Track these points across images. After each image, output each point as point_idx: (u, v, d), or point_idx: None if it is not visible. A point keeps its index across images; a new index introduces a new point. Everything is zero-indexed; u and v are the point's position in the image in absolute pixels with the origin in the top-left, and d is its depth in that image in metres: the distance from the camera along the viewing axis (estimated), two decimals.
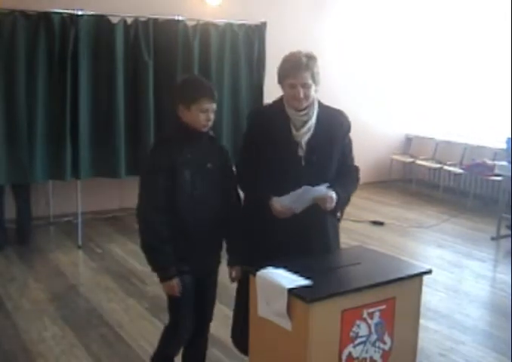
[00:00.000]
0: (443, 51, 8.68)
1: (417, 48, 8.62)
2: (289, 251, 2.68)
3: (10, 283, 4.61)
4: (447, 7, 8.53)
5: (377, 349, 2.49)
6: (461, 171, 7.78)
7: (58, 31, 5.27)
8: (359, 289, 2.40)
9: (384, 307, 2.47)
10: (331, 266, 2.66)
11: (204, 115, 2.64)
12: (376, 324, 2.46)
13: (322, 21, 7.82)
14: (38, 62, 5.23)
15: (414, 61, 8.65)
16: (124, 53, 5.63)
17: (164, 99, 5.81)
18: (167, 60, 5.83)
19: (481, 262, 5.46)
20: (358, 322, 2.40)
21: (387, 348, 2.53)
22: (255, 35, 6.31)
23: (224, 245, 2.88)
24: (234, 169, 2.91)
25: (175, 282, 2.67)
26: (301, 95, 2.65)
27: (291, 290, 2.29)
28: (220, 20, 6.17)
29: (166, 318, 3.89)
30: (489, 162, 7.31)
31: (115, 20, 5.61)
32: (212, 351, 3.35)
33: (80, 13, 5.31)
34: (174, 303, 2.79)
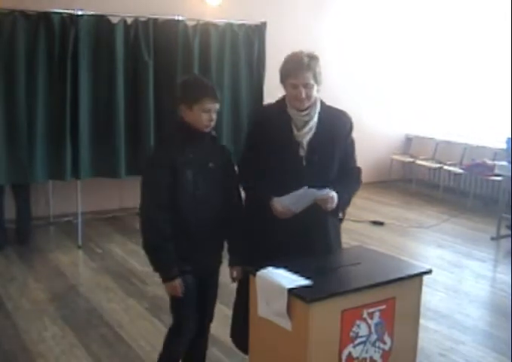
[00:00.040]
0: (443, 51, 8.69)
1: (417, 48, 8.62)
2: (290, 251, 2.68)
3: (10, 283, 4.61)
4: (447, 6, 8.54)
5: (377, 349, 2.49)
6: (461, 171, 7.78)
7: (58, 31, 5.27)
8: (359, 289, 2.40)
9: (383, 307, 2.47)
10: (331, 266, 2.66)
11: (206, 115, 2.64)
12: (376, 324, 2.46)
13: (321, 21, 7.83)
14: (38, 62, 5.23)
15: (414, 61, 8.66)
16: (125, 53, 5.63)
17: (164, 99, 5.81)
18: (167, 60, 5.83)
19: (481, 262, 5.46)
20: (358, 322, 2.40)
21: (387, 348, 2.53)
22: (255, 35, 6.31)
23: (225, 245, 2.88)
24: (236, 168, 2.91)
25: (177, 282, 2.66)
26: (303, 95, 2.64)
27: (291, 290, 2.29)
28: (220, 20, 6.17)
29: (166, 318, 3.91)
30: (489, 162, 7.32)
31: (115, 20, 5.61)
32: (212, 351, 3.35)
33: (80, 13, 5.31)
34: (176, 304, 2.78)
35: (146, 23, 5.72)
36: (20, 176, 5.30)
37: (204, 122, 2.65)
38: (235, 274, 2.84)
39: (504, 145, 7.17)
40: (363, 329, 2.42)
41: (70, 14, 5.29)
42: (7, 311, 4.11)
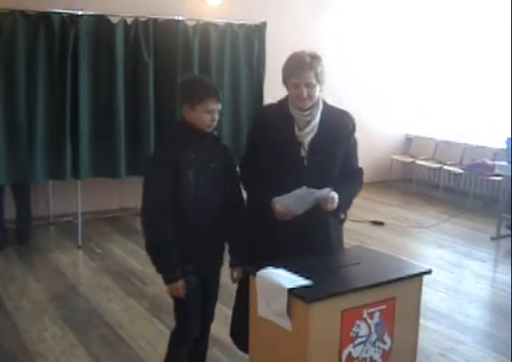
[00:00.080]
0: (443, 51, 8.69)
1: (417, 48, 8.63)
2: (291, 252, 2.67)
3: (10, 283, 4.61)
4: (447, 6, 8.54)
5: (377, 349, 2.49)
6: (460, 171, 7.78)
7: (58, 31, 5.27)
8: (359, 289, 2.40)
9: (383, 307, 2.47)
10: (331, 266, 2.66)
11: (209, 115, 2.64)
12: (376, 324, 2.46)
13: (321, 21, 7.83)
14: (38, 62, 5.23)
15: (414, 61, 8.66)
16: (125, 53, 5.63)
17: (164, 99, 5.81)
18: (167, 60, 5.83)
19: (481, 262, 5.46)
20: (358, 322, 2.40)
21: (387, 348, 2.53)
22: (255, 35, 6.31)
23: (226, 246, 2.87)
24: (237, 169, 2.90)
25: (180, 284, 2.66)
26: (305, 95, 2.63)
27: (291, 290, 2.29)
28: (220, 20, 6.17)
29: (166, 318, 3.91)
30: (489, 162, 7.32)
31: (115, 20, 5.61)
32: (212, 351, 3.35)
33: (80, 13, 5.31)
34: (180, 305, 2.78)
35: (146, 23, 5.72)
36: (20, 176, 5.30)
37: (206, 122, 2.65)
38: (235, 274, 2.84)
39: (504, 145, 7.17)
40: (363, 329, 2.42)
41: (70, 14, 5.29)
42: (7, 311, 4.11)
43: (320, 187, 2.61)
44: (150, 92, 5.76)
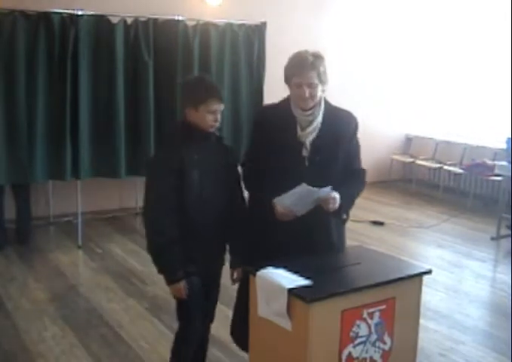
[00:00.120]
0: (443, 51, 8.69)
1: (416, 47, 8.63)
2: (292, 252, 2.66)
3: (10, 283, 4.61)
4: (447, 6, 8.54)
5: (377, 349, 2.49)
6: (461, 171, 7.78)
7: (58, 31, 5.27)
8: (359, 289, 2.40)
9: (383, 307, 2.47)
10: (331, 266, 2.66)
11: (211, 115, 2.63)
12: (376, 324, 2.46)
13: (321, 21, 7.82)
14: (38, 62, 5.23)
15: (414, 60, 8.66)
16: (125, 53, 5.63)
17: (164, 99, 5.81)
18: (167, 60, 5.83)
19: (481, 262, 5.46)
20: (358, 322, 2.40)
21: (387, 348, 2.53)
22: (255, 35, 6.31)
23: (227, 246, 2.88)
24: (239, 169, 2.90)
25: (182, 285, 2.65)
26: (307, 94, 2.62)
27: (291, 290, 2.29)
28: (220, 20, 6.17)
29: (166, 318, 3.91)
30: (489, 162, 7.32)
31: (115, 20, 5.61)
32: (212, 351, 3.35)
33: (80, 13, 5.31)
34: (182, 306, 2.77)
35: (146, 23, 5.72)
36: (20, 176, 5.30)
37: (209, 123, 2.64)
38: (235, 275, 2.84)
39: (504, 145, 7.17)
40: (363, 329, 2.42)
41: (70, 14, 5.29)
42: (7, 311, 4.11)
43: (322, 187, 2.60)
44: (150, 92, 5.76)
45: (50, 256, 5.28)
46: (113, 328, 3.87)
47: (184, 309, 2.78)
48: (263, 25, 6.33)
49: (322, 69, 2.64)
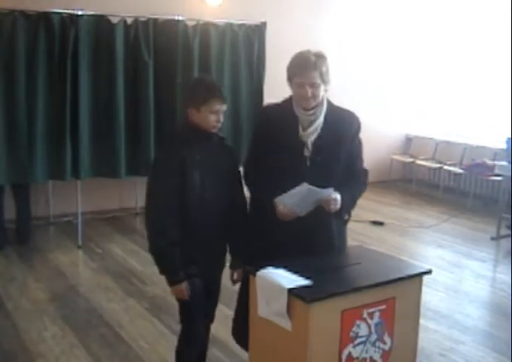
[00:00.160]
0: (443, 51, 8.69)
1: (416, 47, 8.62)
2: (293, 253, 2.66)
3: (10, 283, 4.61)
4: (447, 6, 8.53)
5: (377, 349, 2.49)
6: (460, 171, 7.78)
7: (58, 31, 5.27)
8: (359, 289, 2.40)
9: (383, 307, 2.47)
10: (331, 266, 2.65)
11: (214, 116, 2.63)
12: (376, 324, 2.46)
13: (321, 20, 7.82)
14: (38, 62, 5.23)
15: (414, 60, 8.65)
16: (125, 53, 5.63)
17: (164, 99, 5.81)
18: (167, 60, 5.83)
19: (481, 262, 5.46)
20: (358, 322, 2.40)
21: (386, 348, 2.52)
22: (255, 35, 6.31)
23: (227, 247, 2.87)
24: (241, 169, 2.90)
25: (184, 286, 2.64)
26: (309, 94, 2.61)
27: (291, 290, 2.29)
28: (220, 20, 6.17)
29: (166, 318, 3.92)
30: (489, 162, 7.32)
31: (115, 20, 5.61)
32: (212, 351, 3.35)
33: (80, 13, 5.31)
34: (184, 307, 2.77)
35: (146, 23, 5.72)
36: (20, 176, 5.30)
37: (211, 123, 2.64)
38: (236, 276, 2.84)
39: (504, 145, 7.17)
40: (363, 329, 2.42)
41: (70, 14, 5.30)
42: (7, 311, 4.11)
43: (323, 187, 2.59)
44: (150, 92, 5.76)
45: (50, 256, 5.28)
46: (113, 328, 3.87)
47: (186, 311, 2.77)
48: (263, 25, 6.32)
49: (324, 68, 2.63)
